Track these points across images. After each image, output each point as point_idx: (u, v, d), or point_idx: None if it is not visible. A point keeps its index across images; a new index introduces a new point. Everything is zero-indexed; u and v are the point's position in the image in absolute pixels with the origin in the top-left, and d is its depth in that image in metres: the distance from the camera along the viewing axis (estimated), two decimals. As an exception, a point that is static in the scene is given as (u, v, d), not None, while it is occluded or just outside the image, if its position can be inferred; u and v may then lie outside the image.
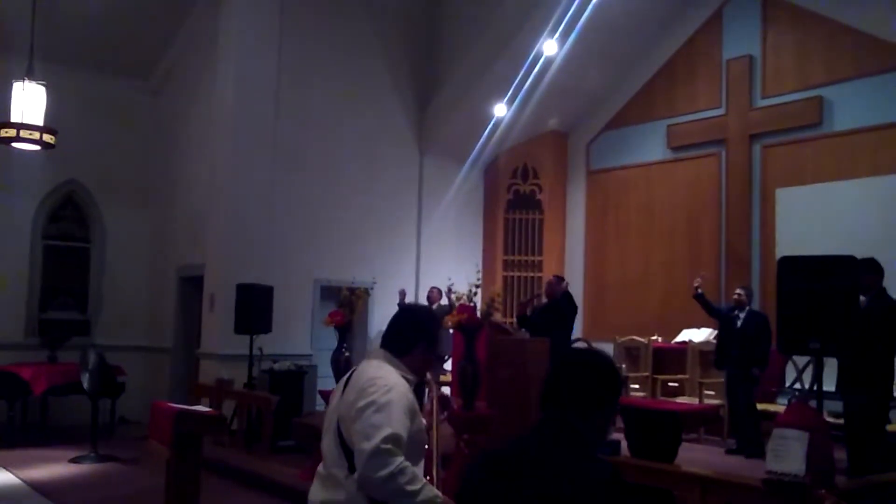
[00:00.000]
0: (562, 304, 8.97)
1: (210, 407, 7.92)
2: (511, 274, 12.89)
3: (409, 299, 10.76)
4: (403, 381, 2.82)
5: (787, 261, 5.78)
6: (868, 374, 6.11)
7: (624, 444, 6.49)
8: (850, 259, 5.52)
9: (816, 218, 9.83)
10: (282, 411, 8.57)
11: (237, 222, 10.07)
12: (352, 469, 2.66)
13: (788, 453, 4.90)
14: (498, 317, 11.41)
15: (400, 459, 2.58)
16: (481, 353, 7.31)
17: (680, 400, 9.46)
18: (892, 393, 6.48)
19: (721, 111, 11.09)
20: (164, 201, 11.82)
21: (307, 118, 10.90)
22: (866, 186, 9.50)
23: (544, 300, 9.46)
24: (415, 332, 2.95)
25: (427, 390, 3.31)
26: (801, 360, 9.10)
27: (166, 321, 11.53)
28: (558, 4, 10.53)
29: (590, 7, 10.56)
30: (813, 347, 5.51)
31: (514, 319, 11.20)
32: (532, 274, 12.80)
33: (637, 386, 10.29)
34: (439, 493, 2.72)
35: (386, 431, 2.58)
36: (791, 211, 10.28)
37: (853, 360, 6.03)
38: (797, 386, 9.25)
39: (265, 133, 10.33)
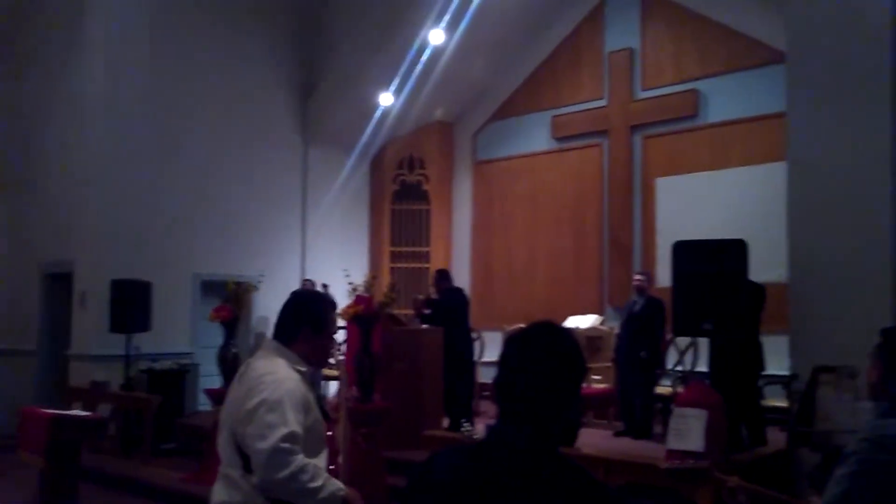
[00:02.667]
0: (447, 299, 8.81)
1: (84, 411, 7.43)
2: (399, 265, 12.76)
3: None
4: (294, 375, 2.72)
5: (680, 245, 5.93)
6: (738, 353, 6.29)
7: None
8: (739, 242, 5.72)
9: (694, 206, 10.19)
10: (163, 412, 8.17)
11: (110, 216, 9.45)
12: (247, 468, 2.59)
13: (689, 431, 5.02)
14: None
15: (299, 458, 2.53)
16: (377, 346, 7.16)
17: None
18: (760, 371, 6.76)
19: (603, 102, 11.34)
20: (24, 193, 10.98)
21: (184, 106, 10.38)
22: (738, 175, 9.92)
23: (434, 295, 9.36)
24: (297, 318, 2.84)
25: (338, 384, 3.17)
26: (683, 343, 9.42)
27: (30, 321, 10.77)
28: (444, -8, 10.47)
29: (476, -4, 10.55)
30: (706, 329, 5.68)
31: (410, 313, 11.09)
32: (420, 265, 12.71)
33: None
34: (342, 486, 2.67)
35: (282, 431, 2.52)
36: (670, 199, 10.64)
37: (727, 341, 6.18)
38: (679, 368, 9.58)
39: (138, 121, 9.72)
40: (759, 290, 6.52)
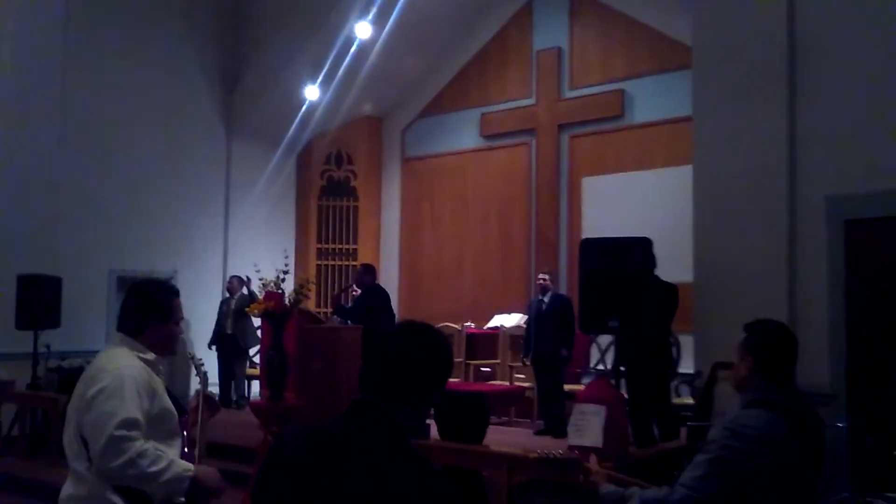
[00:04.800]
0: (371, 296, 8.76)
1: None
2: (325, 262, 12.64)
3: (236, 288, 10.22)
4: (138, 363, 2.72)
5: (587, 243, 5.99)
6: (649, 351, 6.36)
7: (433, 427, 6.47)
8: (645, 241, 5.79)
9: (619, 205, 10.28)
10: (72, 412, 7.89)
11: (17, 208, 9.06)
12: (91, 461, 2.57)
13: (587, 427, 5.06)
14: (311, 306, 11.16)
15: (138, 444, 2.53)
16: (290, 343, 7.05)
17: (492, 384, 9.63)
18: (670, 369, 6.86)
19: (531, 101, 11.39)
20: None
21: (99, 95, 10.07)
22: (662, 176, 10.04)
23: (356, 290, 9.28)
24: (142, 309, 2.82)
25: (198, 388, 3.11)
26: (605, 341, 9.52)
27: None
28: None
29: (405, -9, 10.49)
30: (612, 326, 5.74)
31: (330, 310, 10.99)
32: (347, 262, 12.61)
33: (451, 372, 10.38)
34: (190, 466, 2.66)
35: (119, 417, 2.52)
36: (596, 198, 10.73)
37: (637, 339, 6.25)
38: (600, 367, 9.69)
39: (49, 110, 9.40)
40: (671, 289, 6.59)
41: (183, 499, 2.63)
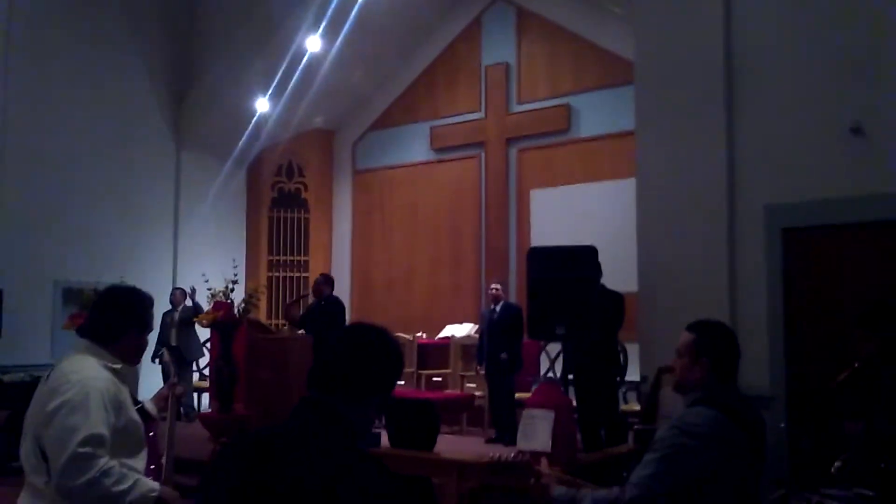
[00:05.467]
0: (329, 308, 8.74)
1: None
2: (276, 274, 12.57)
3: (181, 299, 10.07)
4: (105, 374, 2.58)
5: (535, 251, 6.11)
6: (596, 358, 6.49)
7: (384, 436, 6.49)
8: (590, 249, 5.93)
9: (566, 217, 10.44)
10: (12, 428, 7.69)
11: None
12: (51, 476, 2.42)
13: (536, 431, 5.15)
14: (262, 317, 11.08)
15: (102, 461, 2.39)
16: (239, 353, 7.02)
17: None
18: (618, 375, 7.00)
19: (480, 115, 11.54)
20: None
21: (43, 104, 9.91)
22: (608, 188, 10.23)
23: (311, 300, 9.25)
24: (123, 318, 2.72)
25: (172, 380, 3.07)
26: (554, 350, 9.64)
27: None
28: (322, 0, 10.41)
29: (355, 6, 10.53)
30: (559, 333, 5.85)
31: (283, 322, 10.91)
32: (298, 274, 12.56)
33: (403, 382, 10.39)
34: (156, 486, 2.55)
35: (82, 434, 2.38)
36: (544, 211, 10.89)
37: (586, 346, 6.37)
38: (550, 375, 9.81)
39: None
40: (618, 297, 6.74)
41: None
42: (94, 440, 2.40)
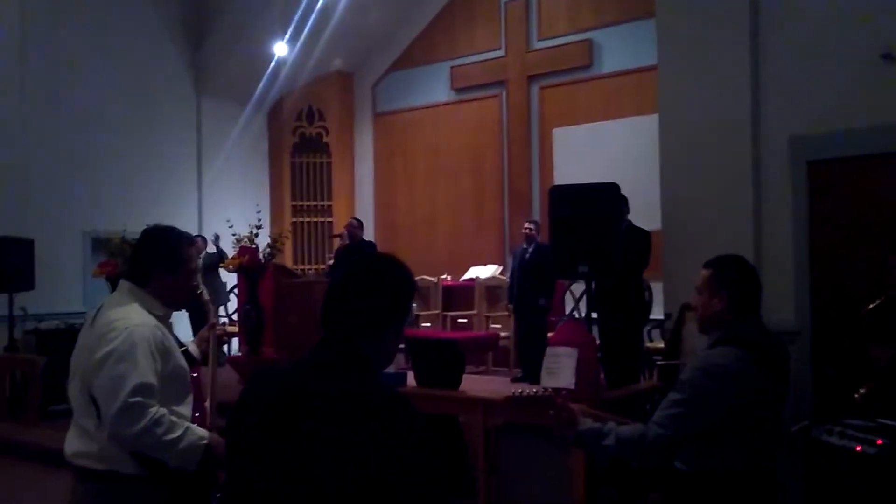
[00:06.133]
0: (365, 249, 8.80)
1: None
2: (300, 220, 12.63)
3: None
4: (149, 319, 2.57)
5: (556, 189, 6.05)
6: (620, 296, 6.47)
7: (411, 376, 6.58)
8: (613, 186, 5.86)
9: (589, 156, 10.35)
10: (51, 373, 7.90)
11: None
12: (102, 422, 2.45)
13: (560, 369, 5.17)
14: (287, 262, 11.18)
15: (153, 410, 2.41)
16: (266, 297, 7.11)
17: (468, 333, 9.76)
18: (643, 314, 6.98)
19: (501, 52, 11.36)
20: None
21: (61, 56, 9.94)
22: (632, 125, 10.09)
23: (346, 241, 9.28)
24: (150, 258, 2.67)
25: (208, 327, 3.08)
26: (579, 289, 9.65)
27: None
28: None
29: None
30: (582, 271, 5.83)
31: (309, 266, 11.00)
32: (322, 219, 12.61)
33: (428, 324, 10.50)
34: (205, 434, 2.56)
35: (132, 383, 2.38)
36: (566, 149, 10.79)
37: (608, 285, 6.34)
38: (575, 314, 9.84)
39: (8, 72, 9.26)
40: (644, 235, 6.68)
41: (196, 467, 2.54)
42: (144, 389, 2.41)
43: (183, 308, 2.80)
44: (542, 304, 8.15)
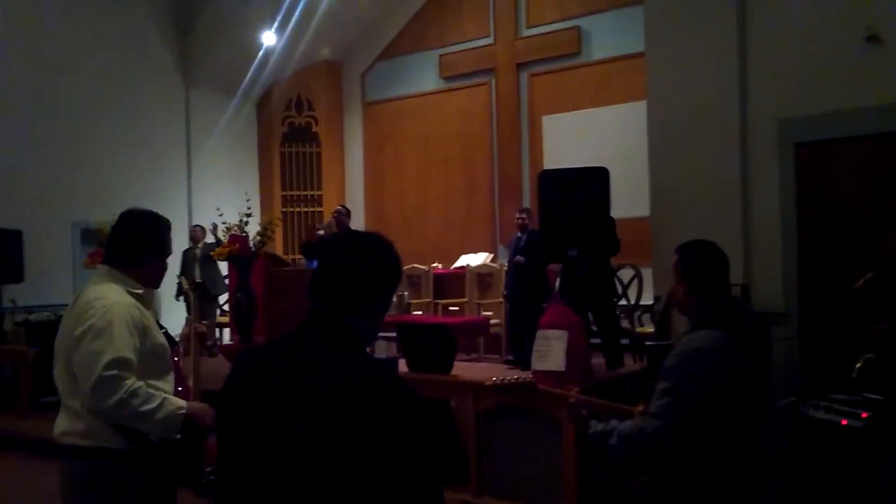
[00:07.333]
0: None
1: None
2: (291, 209, 12.62)
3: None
4: (128, 299, 2.62)
5: (545, 174, 6.06)
6: (599, 280, 6.44)
7: (402, 363, 6.60)
8: (601, 170, 5.88)
9: (579, 143, 10.37)
10: (42, 365, 7.90)
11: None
12: (80, 394, 2.50)
13: (550, 352, 5.21)
14: (278, 250, 11.17)
15: (129, 383, 2.46)
16: (257, 285, 7.10)
17: (459, 320, 9.77)
18: (614, 297, 6.93)
19: (489, 40, 11.36)
20: None
21: (49, 47, 9.88)
22: (621, 111, 10.10)
23: (334, 230, 9.27)
24: (141, 242, 2.73)
25: (188, 317, 3.10)
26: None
27: None
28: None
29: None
30: (571, 255, 5.86)
31: (299, 256, 10.99)
32: (312, 209, 12.60)
33: (420, 312, 10.51)
34: (183, 404, 2.61)
35: (108, 357, 2.44)
36: (556, 136, 10.81)
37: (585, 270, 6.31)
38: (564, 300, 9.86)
39: (4, 65, 9.22)
40: (611, 221, 6.63)
41: (179, 435, 2.59)
42: (120, 363, 2.45)
43: (156, 286, 2.83)
44: (520, 261, 7.99)
